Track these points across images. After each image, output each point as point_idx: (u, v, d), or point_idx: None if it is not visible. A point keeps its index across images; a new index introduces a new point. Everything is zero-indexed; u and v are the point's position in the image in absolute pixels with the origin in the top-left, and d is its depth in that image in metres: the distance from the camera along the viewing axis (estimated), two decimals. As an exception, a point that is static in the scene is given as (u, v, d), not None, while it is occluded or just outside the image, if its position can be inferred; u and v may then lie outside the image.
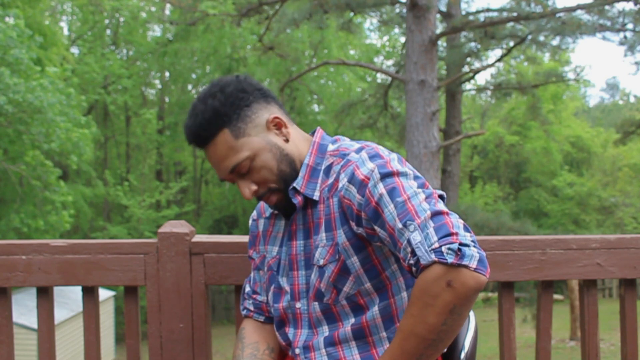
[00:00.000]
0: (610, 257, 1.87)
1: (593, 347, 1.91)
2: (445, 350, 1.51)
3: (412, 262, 1.22)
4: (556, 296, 16.91)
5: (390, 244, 1.29)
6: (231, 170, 1.44)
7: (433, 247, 1.18)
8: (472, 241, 1.19)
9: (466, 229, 1.22)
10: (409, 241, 1.22)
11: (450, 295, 1.16)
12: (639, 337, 1.93)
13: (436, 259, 1.17)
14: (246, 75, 1.50)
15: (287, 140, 1.49)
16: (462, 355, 1.50)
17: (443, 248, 1.17)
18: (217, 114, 1.42)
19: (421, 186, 1.31)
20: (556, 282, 2.00)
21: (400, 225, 1.24)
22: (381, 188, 1.31)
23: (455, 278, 1.15)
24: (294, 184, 1.47)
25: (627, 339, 1.91)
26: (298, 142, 1.51)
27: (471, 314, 1.60)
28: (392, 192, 1.29)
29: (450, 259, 1.16)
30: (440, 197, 1.33)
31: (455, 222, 1.22)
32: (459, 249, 1.16)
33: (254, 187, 1.46)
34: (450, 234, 1.19)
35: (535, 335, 1.95)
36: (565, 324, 13.20)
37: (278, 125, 1.48)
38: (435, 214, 1.23)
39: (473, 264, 1.16)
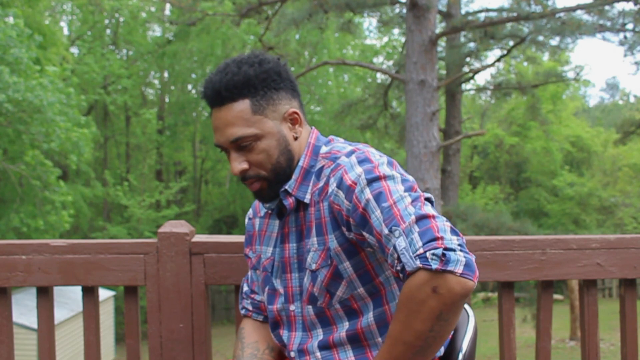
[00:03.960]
0: (610, 257, 1.87)
1: (593, 347, 1.91)
2: (441, 353, 1.51)
3: (398, 268, 1.20)
4: (556, 296, 16.91)
5: (379, 249, 1.28)
6: (233, 140, 1.41)
7: (418, 252, 1.15)
8: (459, 245, 1.16)
9: (453, 232, 1.19)
10: (394, 247, 1.20)
11: (435, 301, 1.14)
12: (639, 337, 1.93)
13: (421, 265, 1.14)
14: (286, 62, 1.50)
15: (295, 138, 1.48)
16: (460, 356, 1.50)
17: (427, 254, 1.14)
18: (247, 82, 1.41)
19: (408, 189, 1.29)
20: (556, 282, 2.00)
21: (386, 231, 1.23)
22: (368, 193, 1.29)
23: (440, 284, 1.13)
24: (286, 186, 1.46)
25: (627, 339, 1.91)
26: (302, 143, 1.50)
27: (471, 313, 1.60)
28: (378, 197, 1.27)
29: (435, 264, 1.13)
30: (428, 199, 1.31)
31: (441, 225, 1.19)
32: (444, 254, 1.13)
33: (245, 166, 1.44)
34: (435, 239, 1.16)
35: (535, 335, 1.95)
36: (565, 324, 13.21)
37: (294, 120, 1.48)
38: (421, 218, 1.21)
39: (459, 269, 1.13)
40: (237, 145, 1.43)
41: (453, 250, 1.15)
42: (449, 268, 1.13)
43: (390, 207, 1.24)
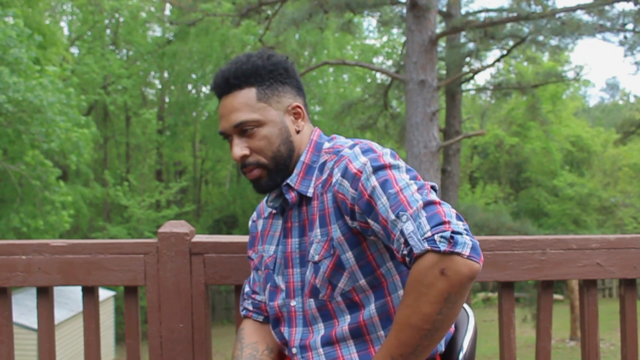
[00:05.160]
0: (610, 257, 1.88)
1: (593, 347, 1.91)
2: (442, 348, 1.52)
3: (405, 252, 1.22)
4: (556, 296, 16.91)
5: (384, 236, 1.30)
6: (236, 125, 1.46)
7: (426, 235, 1.18)
8: (465, 229, 1.20)
9: (459, 218, 1.22)
10: (402, 232, 1.22)
11: (444, 283, 1.16)
12: (639, 337, 1.93)
13: (429, 248, 1.17)
14: (293, 62, 1.56)
15: (298, 132, 1.52)
16: (461, 355, 1.50)
17: (436, 236, 1.17)
18: (255, 71, 1.47)
19: (413, 178, 1.32)
20: (556, 282, 2.00)
21: (393, 217, 1.25)
22: (374, 181, 1.31)
23: (448, 266, 1.16)
24: (288, 181, 1.49)
25: (627, 339, 1.91)
26: (304, 138, 1.53)
27: (471, 314, 1.60)
28: (384, 185, 1.30)
29: (443, 246, 1.16)
30: (432, 188, 1.34)
31: (447, 211, 1.23)
32: (452, 237, 1.16)
33: (246, 152, 1.47)
34: (443, 223, 1.19)
35: (535, 335, 1.95)
36: (565, 324, 13.21)
37: (297, 114, 1.52)
38: (428, 204, 1.24)
39: (466, 252, 1.16)
40: (240, 131, 1.47)
41: (460, 233, 1.18)
42: (456, 250, 1.16)
43: (397, 194, 1.27)
